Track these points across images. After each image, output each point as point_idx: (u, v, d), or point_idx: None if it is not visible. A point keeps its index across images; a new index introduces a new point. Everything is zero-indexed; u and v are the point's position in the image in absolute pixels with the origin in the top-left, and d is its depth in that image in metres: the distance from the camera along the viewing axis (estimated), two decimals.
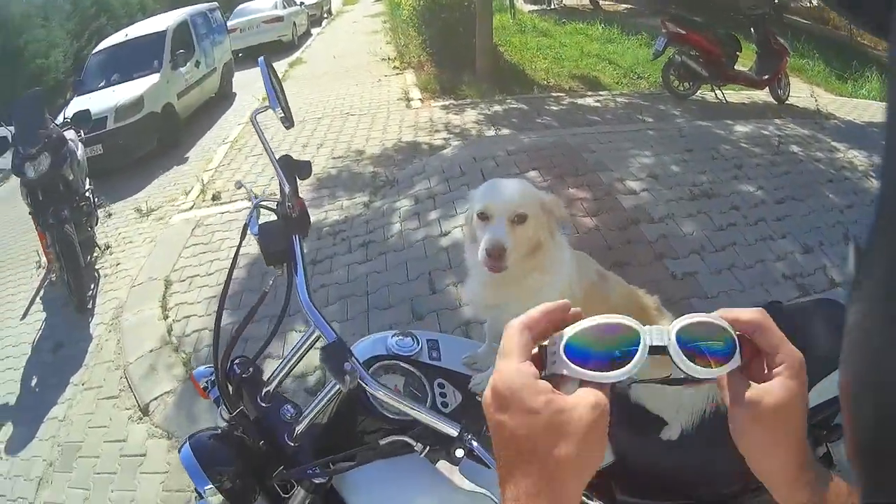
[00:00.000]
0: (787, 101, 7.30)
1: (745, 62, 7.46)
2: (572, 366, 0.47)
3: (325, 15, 19.97)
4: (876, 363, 0.32)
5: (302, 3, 16.34)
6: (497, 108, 6.97)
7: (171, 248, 4.80)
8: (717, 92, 7.23)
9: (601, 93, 7.63)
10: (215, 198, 5.61)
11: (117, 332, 3.93)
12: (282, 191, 1.24)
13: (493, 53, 7.57)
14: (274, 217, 1.26)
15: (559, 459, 0.44)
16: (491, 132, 6.12)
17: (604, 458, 0.51)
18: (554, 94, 7.55)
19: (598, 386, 0.47)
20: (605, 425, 0.46)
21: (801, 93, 7.87)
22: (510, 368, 0.48)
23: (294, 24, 14.34)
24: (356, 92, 8.55)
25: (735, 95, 7.47)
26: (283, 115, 1.23)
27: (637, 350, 0.47)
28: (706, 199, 4.21)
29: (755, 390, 0.48)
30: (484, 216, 1.19)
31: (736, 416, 0.49)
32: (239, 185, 1.41)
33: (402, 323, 3.15)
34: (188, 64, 8.79)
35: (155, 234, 5.29)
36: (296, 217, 1.22)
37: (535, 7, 14.68)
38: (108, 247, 5.35)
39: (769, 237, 3.75)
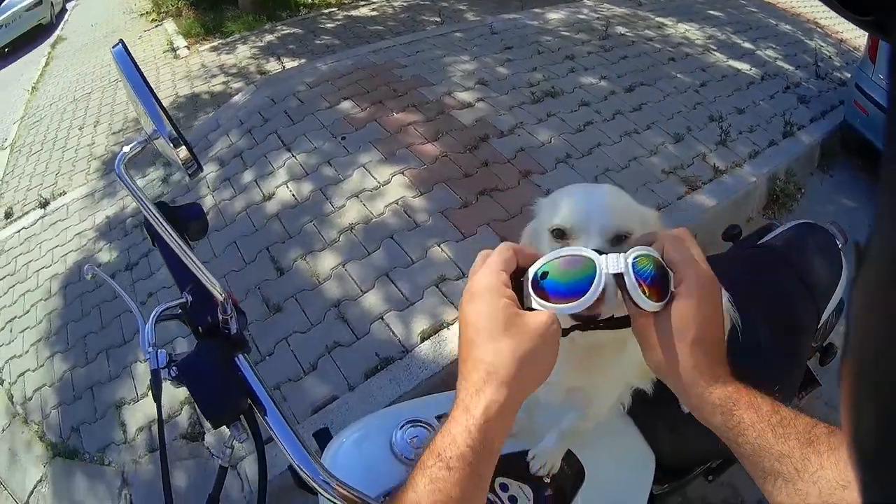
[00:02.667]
0: None
1: None
2: (539, 300, 0.52)
3: None
4: (878, 361, 0.27)
5: None
6: (269, 37, 6.10)
7: None
8: None
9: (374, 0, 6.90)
10: (8, 215, 4.45)
11: None
12: (196, 287, 0.72)
13: None
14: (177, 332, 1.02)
15: (520, 355, 0.49)
16: (272, 65, 5.23)
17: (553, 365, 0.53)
18: (325, 11, 6.72)
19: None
20: (557, 335, 0.52)
21: None
22: (488, 270, 0.52)
23: (52, 3, 12.94)
24: None
25: None
26: (180, 148, 0.64)
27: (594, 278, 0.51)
28: (551, 98, 3.62)
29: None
30: (561, 234, 0.65)
31: (651, 346, 0.55)
32: (90, 271, 0.83)
33: (256, 321, 2.38)
34: None
35: None
36: (233, 331, 0.70)
37: None
38: None
39: (633, 131, 3.28)
